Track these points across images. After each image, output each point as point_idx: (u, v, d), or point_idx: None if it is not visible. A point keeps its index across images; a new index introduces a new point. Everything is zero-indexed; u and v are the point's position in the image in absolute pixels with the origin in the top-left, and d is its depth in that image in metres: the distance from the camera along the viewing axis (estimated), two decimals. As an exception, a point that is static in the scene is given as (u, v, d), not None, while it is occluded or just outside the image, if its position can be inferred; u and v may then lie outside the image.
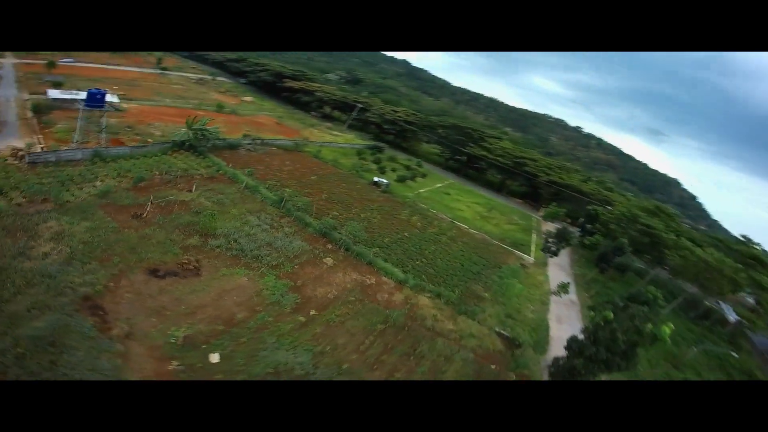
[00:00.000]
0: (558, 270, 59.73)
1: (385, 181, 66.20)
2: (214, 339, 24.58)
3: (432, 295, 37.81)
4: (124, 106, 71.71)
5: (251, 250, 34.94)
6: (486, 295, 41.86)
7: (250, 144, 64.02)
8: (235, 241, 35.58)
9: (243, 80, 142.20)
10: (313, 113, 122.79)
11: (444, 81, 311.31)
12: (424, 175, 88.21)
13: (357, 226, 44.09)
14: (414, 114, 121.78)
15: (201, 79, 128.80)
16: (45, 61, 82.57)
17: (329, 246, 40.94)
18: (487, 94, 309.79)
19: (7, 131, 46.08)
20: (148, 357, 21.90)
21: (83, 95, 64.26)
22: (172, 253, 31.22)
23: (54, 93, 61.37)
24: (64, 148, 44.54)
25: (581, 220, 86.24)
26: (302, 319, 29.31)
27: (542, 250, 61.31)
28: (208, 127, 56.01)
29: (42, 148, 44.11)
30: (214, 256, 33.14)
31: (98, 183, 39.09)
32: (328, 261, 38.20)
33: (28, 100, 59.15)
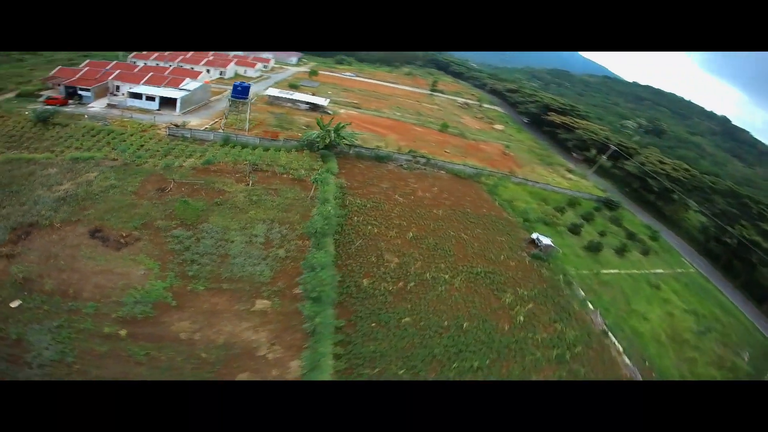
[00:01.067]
0: None
1: (547, 241, 40.31)
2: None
3: None
4: (341, 112, 76.82)
5: (196, 254, 27.47)
6: None
7: (408, 160, 53.70)
8: (196, 238, 28.30)
9: (514, 112, 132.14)
10: (574, 154, 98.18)
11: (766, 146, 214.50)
12: (647, 252, 52.21)
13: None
14: (686, 170, 76.66)
15: (466, 103, 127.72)
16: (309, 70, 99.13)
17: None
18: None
19: (205, 112, 55.05)
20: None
21: (297, 96, 74.34)
22: (131, 225, 29.66)
23: (273, 92, 72.61)
24: (205, 128, 49.28)
25: None
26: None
27: None
28: (347, 132, 50.14)
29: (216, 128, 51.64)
30: (158, 242, 28.54)
31: (188, 159, 40.09)
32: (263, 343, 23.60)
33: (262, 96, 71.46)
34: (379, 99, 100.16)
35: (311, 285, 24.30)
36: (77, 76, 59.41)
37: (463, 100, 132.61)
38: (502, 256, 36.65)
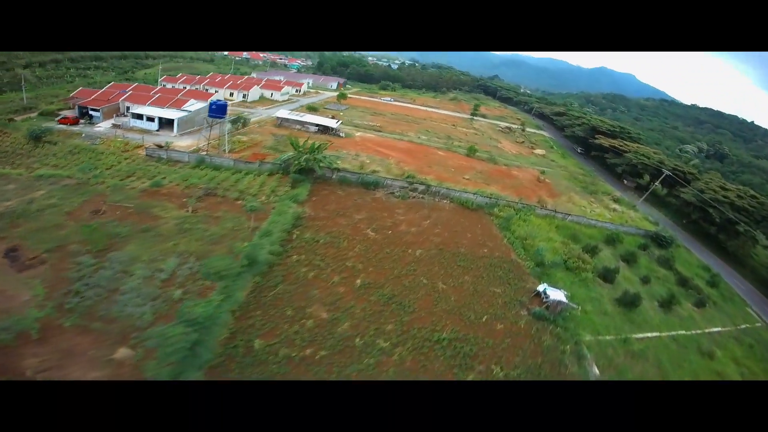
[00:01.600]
0: None
1: (557, 295, 30.35)
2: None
3: None
4: (357, 135, 72.28)
5: (86, 285, 23.55)
6: None
7: (403, 187, 46.77)
8: (96, 268, 24.58)
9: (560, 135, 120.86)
10: (625, 181, 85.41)
11: None
12: (702, 303, 39.47)
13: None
14: (753, 197, 60.73)
15: (508, 127, 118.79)
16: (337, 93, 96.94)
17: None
18: None
19: (205, 133, 52.61)
20: None
21: (306, 117, 70.59)
22: (45, 247, 26.82)
23: (282, 113, 69.78)
24: (180, 150, 46.54)
25: None
26: None
27: None
28: (326, 154, 44.71)
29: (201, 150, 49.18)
30: (61, 267, 25.18)
31: (146, 180, 37.26)
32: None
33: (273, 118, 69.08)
34: (410, 122, 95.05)
35: (172, 341, 18.10)
36: (92, 96, 60.60)
37: (506, 124, 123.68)
38: (486, 316, 27.56)
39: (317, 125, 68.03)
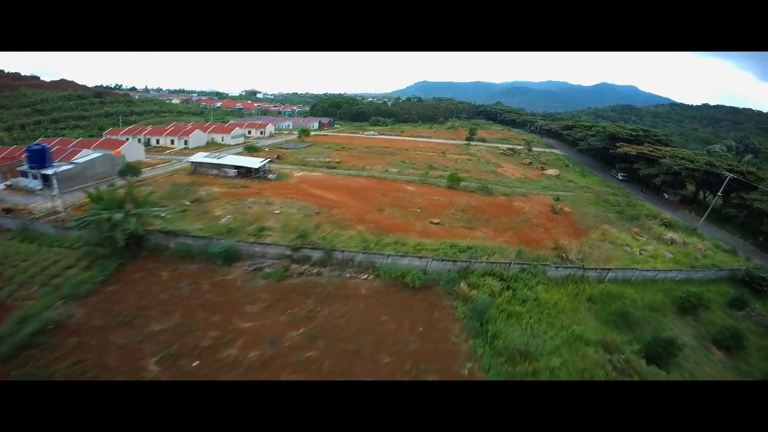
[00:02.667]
0: None
1: None
2: None
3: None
4: (297, 174, 55.33)
5: None
6: None
7: (284, 257, 27.89)
8: None
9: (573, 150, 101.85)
10: (666, 195, 64.43)
11: None
12: None
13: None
14: None
15: (511, 149, 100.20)
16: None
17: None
18: None
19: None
20: None
21: (224, 160, 54.32)
22: None
23: (197, 157, 54.58)
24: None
25: None
26: None
27: None
28: (155, 209, 27.17)
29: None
30: None
31: None
32: None
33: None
34: (384, 155, 77.97)
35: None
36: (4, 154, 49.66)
37: (509, 146, 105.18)
38: None
39: (237, 167, 51.85)
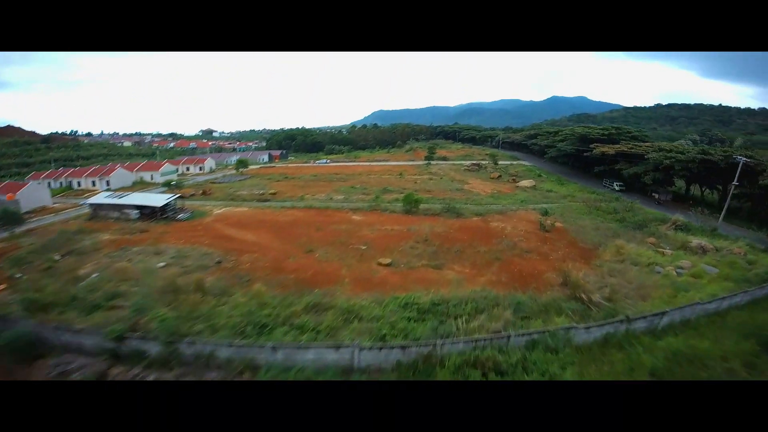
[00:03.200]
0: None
1: None
2: None
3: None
4: (218, 211, 43.06)
5: None
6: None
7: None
8: None
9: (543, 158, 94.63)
10: (655, 194, 55.64)
11: None
12: None
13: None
14: None
15: (476, 164, 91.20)
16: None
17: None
18: None
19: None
20: None
21: (125, 199, 41.96)
22: None
23: (98, 198, 44.51)
24: None
25: None
26: None
27: None
28: None
29: None
30: None
31: None
32: None
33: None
34: (332, 182, 66.75)
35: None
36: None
37: (472, 162, 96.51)
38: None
39: (140, 207, 40.57)
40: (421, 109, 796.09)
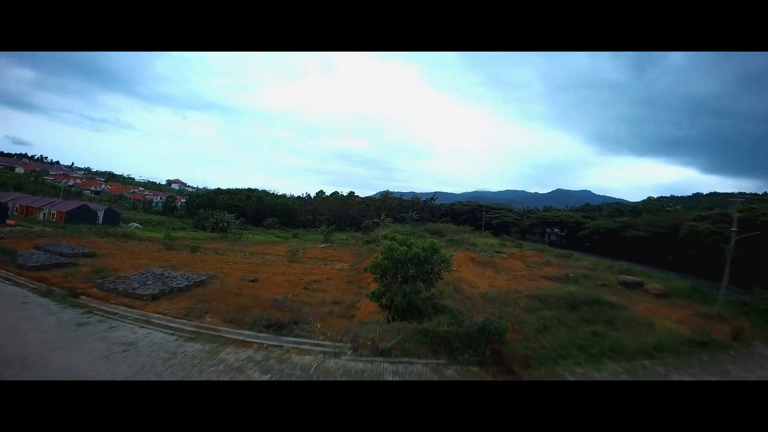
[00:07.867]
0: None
1: None
2: None
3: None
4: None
5: None
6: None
7: None
8: None
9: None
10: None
11: None
12: None
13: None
14: None
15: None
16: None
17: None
18: None
19: None
20: None
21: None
22: None
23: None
24: None
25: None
26: None
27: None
28: None
29: None
30: None
31: None
32: None
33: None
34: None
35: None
36: None
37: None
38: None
39: None
40: (428, 193, 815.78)
